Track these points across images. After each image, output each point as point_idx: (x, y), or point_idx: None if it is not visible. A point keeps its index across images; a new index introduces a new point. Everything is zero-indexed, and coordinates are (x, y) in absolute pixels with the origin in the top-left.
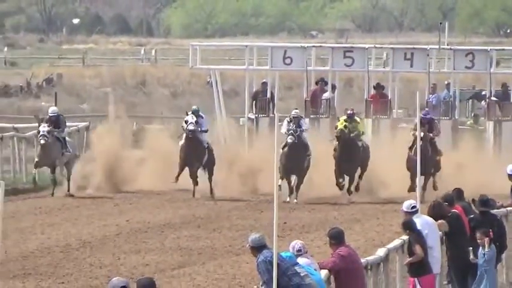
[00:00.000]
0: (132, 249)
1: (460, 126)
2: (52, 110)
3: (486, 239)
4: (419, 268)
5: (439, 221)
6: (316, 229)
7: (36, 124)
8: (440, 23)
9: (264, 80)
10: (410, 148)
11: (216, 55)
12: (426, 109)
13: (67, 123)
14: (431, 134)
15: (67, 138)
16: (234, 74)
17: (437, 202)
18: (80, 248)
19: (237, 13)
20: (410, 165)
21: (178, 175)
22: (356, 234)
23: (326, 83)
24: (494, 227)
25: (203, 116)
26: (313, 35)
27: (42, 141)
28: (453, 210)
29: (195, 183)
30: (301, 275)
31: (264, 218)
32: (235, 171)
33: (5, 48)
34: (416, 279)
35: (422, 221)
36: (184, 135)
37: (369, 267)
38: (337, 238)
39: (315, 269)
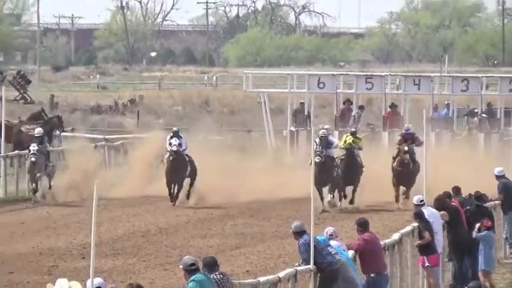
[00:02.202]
0: (199, 234)
1: (456, 137)
2: (38, 131)
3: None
4: (427, 248)
5: (442, 212)
6: (345, 218)
7: (122, 136)
8: (442, 56)
9: (302, 101)
10: (394, 159)
11: (264, 81)
12: (406, 125)
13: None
14: (414, 145)
15: (49, 152)
16: (279, 95)
17: (440, 197)
18: (157, 233)
19: (280, 47)
20: (393, 177)
21: (171, 198)
22: (376, 222)
23: (351, 103)
24: (486, 216)
25: (182, 136)
26: (341, 65)
27: (32, 159)
28: (452, 203)
29: (178, 193)
30: (333, 253)
31: (303, 209)
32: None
33: (98, 76)
34: (424, 257)
35: (428, 212)
36: (168, 154)
37: (387, 248)
38: (363, 226)
39: (344, 250)
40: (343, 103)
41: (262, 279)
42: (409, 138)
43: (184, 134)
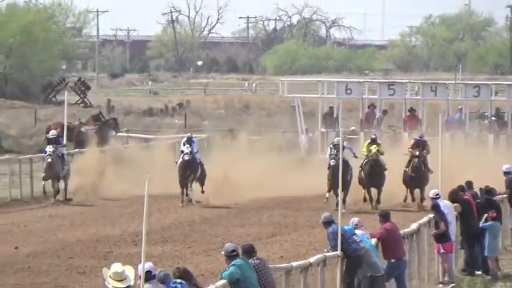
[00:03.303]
0: (239, 223)
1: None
2: (52, 133)
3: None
4: (442, 237)
5: (455, 204)
6: (368, 211)
7: (169, 136)
8: (456, 65)
9: (331, 105)
10: (407, 166)
11: (298, 87)
12: (421, 132)
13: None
14: (424, 151)
15: (64, 155)
16: (311, 100)
17: (454, 190)
18: (202, 222)
19: (313, 57)
20: (405, 180)
21: (182, 199)
22: (396, 214)
23: (375, 107)
24: (494, 208)
25: (194, 141)
26: (366, 73)
27: (49, 160)
28: (465, 196)
29: (185, 193)
30: (358, 241)
31: (332, 202)
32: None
33: (150, 82)
34: (440, 244)
35: (443, 204)
36: (181, 160)
37: (406, 237)
38: (385, 216)
39: (368, 238)
40: (368, 107)
41: (294, 264)
42: (421, 145)
43: (227, 134)
